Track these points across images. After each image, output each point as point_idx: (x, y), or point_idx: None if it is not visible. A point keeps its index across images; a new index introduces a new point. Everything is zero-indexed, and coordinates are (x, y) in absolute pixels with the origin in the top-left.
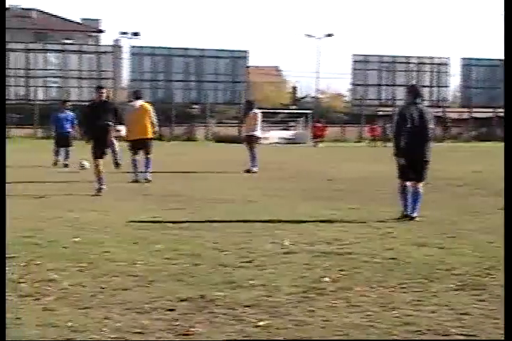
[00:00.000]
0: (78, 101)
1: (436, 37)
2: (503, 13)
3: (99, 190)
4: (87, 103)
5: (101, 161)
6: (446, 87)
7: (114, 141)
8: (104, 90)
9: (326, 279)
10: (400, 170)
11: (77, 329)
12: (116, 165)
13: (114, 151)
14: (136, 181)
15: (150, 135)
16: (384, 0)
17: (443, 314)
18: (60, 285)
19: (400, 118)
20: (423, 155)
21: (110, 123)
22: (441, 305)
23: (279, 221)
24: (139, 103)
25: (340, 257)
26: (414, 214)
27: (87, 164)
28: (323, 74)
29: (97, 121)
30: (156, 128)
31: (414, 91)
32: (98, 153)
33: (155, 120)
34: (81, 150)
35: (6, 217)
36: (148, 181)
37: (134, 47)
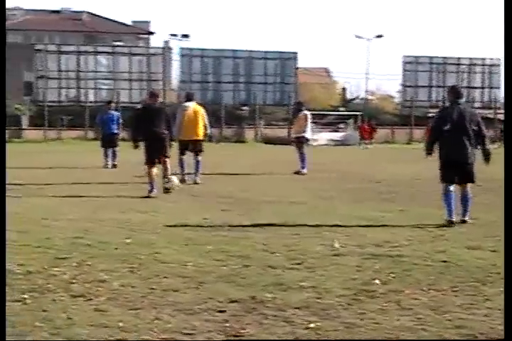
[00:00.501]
0: (128, 102)
1: (487, 38)
2: None
3: (151, 192)
4: (138, 106)
5: (155, 167)
6: (497, 88)
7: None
8: (159, 96)
9: (377, 281)
10: (442, 173)
11: (128, 329)
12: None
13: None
14: (182, 181)
15: (202, 136)
16: (434, 1)
17: (496, 318)
18: (111, 285)
19: (439, 120)
20: (465, 157)
21: (166, 131)
22: (495, 308)
23: (329, 223)
24: (191, 105)
25: (391, 259)
26: (466, 218)
27: (175, 180)
28: (373, 75)
29: (151, 126)
30: (209, 130)
31: (454, 92)
32: (152, 159)
33: (207, 122)
34: (127, 151)
35: (60, 218)
36: (196, 184)
37: (183, 48)
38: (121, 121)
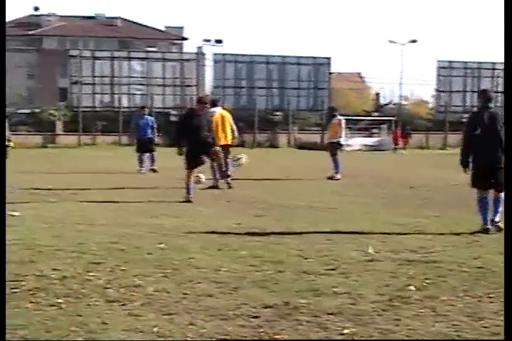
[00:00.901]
0: (162, 108)
1: None
2: None
3: (187, 198)
4: (184, 112)
5: (194, 172)
6: None
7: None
8: (207, 102)
9: (411, 288)
10: (475, 179)
11: (163, 334)
12: (227, 176)
13: (220, 164)
14: (216, 187)
15: (230, 141)
16: (468, 5)
17: None
18: (146, 290)
19: (470, 125)
20: (496, 162)
21: (210, 136)
22: None
23: (363, 228)
24: (217, 110)
25: (426, 265)
26: (497, 218)
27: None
28: (407, 80)
29: (197, 132)
30: (236, 134)
31: (485, 96)
32: (193, 164)
33: (234, 126)
34: (161, 156)
35: (94, 223)
36: (230, 187)
37: (216, 54)
38: (156, 126)
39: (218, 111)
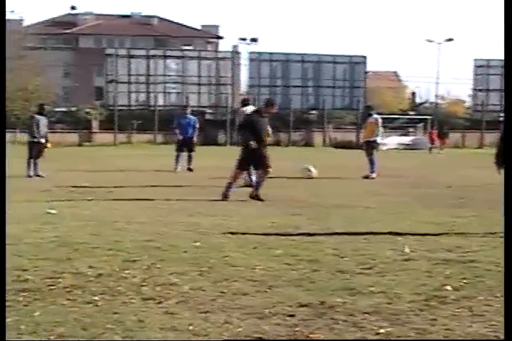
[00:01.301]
0: (197, 106)
1: None
2: None
3: (226, 195)
4: (250, 112)
5: (244, 173)
6: None
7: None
8: (275, 105)
9: (448, 287)
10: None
11: (198, 333)
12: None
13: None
14: (250, 186)
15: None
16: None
17: None
18: (181, 288)
19: (504, 126)
20: None
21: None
22: None
23: (399, 227)
24: (249, 109)
25: (463, 265)
26: None
27: (313, 170)
28: (443, 79)
29: (260, 134)
30: (270, 132)
31: None
32: (247, 166)
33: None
34: (198, 156)
35: (130, 221)
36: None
37: (252, 53)
38: (197, 125)
39: (251, 109)
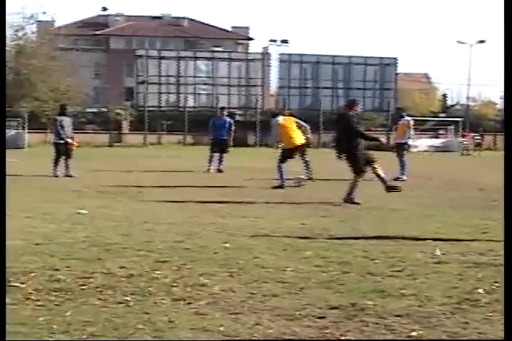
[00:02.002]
0: (227, 108)
1: None
2: None
3: (350, 199)
4: (340, 116)
5: (364, 175)
6: None
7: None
8: (358, 105)
9: (480, 290)
10: None
11: (229, 334)
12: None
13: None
14: (282, 187)
15: (304, 140)
16: None
17: None
18: (211, 289)
19: None
20: None
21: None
22: None
23: (430, 230)
24: (279, 118)
25: (495, 268)
26: None
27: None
28: (475, 81)
29: (356, 136)
30: (309, 133)
31: None
32: (363, 168)
33: (305, 126)
34: (233, 156)
35: (160, 222)
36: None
37: (282, 54)
38: (233, 128)
39: (280, 118)
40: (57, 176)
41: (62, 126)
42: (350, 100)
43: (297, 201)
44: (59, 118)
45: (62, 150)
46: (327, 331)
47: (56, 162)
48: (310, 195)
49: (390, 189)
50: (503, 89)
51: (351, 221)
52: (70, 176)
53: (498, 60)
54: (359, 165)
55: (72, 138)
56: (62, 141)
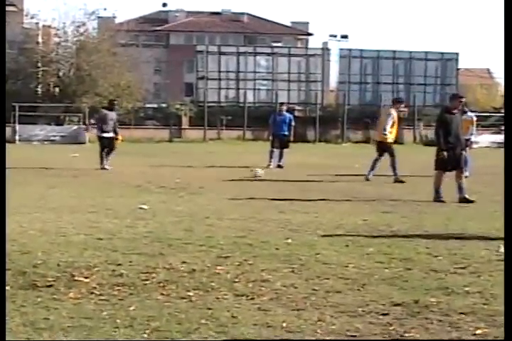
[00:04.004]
0: (287, 103)
1: None
2: None
3: (439, 198)
4: (442, 109)
5: (445, 173)
6: None
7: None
8: (463, 98)
9: None
10: None
11: (292, 330)
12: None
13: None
14: (367, 180)
15: (380, 138)
16: None
17: None
18: (273, 285)
19: None
20: None
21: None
22: None
23: (493, 227)
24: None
25: None
26: None
27: (260, 171)
28: None
29: (453, 132)
30: (387, 129)
31: None
32: (447, 167)
33: (385, 124)
34: (291, 152)
35: (222, 217)
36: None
37: (342, 49)
38: (293, 123)
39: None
40: (105, 168)
41: (104, 120)
42: (453, 94)
43: (360, 197)
44: (104, 111)
45: (106, 144)
46: (391, 328)
47: (102, 155)
48: (374, 191)
49: (462, 199)
50: None
51: (414, 217)
52: (104, 169)
53: None
54: (437, 163)
55: (116, 132)
56: (105, 135)
